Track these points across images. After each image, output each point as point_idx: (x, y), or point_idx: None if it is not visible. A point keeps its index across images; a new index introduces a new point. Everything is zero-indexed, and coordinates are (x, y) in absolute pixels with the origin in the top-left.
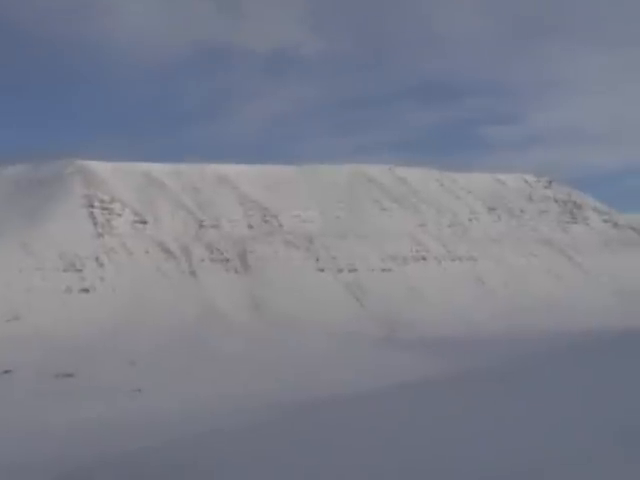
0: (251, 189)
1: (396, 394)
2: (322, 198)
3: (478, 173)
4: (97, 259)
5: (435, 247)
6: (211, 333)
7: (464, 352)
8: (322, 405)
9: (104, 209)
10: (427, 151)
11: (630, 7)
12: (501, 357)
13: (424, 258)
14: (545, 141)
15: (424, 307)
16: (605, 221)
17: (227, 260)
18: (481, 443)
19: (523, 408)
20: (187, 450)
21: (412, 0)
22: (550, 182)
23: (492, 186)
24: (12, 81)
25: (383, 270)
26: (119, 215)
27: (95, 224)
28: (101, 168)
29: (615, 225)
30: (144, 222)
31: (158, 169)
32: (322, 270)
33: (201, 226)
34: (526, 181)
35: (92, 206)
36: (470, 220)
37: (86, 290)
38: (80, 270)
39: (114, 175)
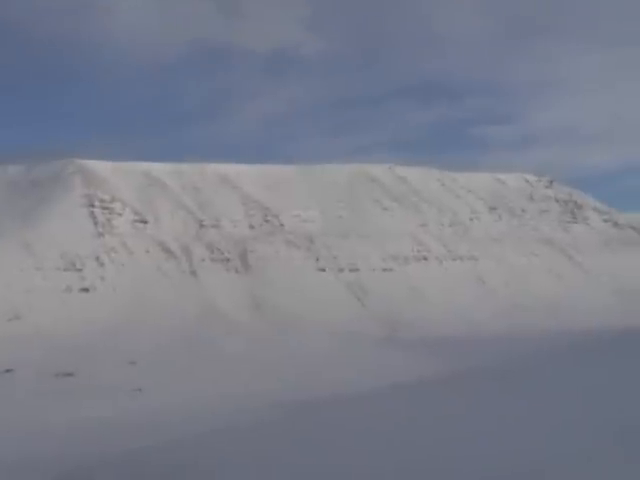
0: (252, 189)
1: (397, 394)
2: (323, 198)
3: (479, 173)
4: (97, 259)
5: (436, 247)
6: (212, 333)
7: (465, 352)
8: (324, 405)
9: (104, 209)
10: (426, 151)
11: (625, 6)
12: (502, 356)
13: (425, 258)
14: (544, 141)
15: (425, 307)
16: (605, 221)
17: (228, 260)
18: (482, 443)
19: (524, 407)
20: (188, 450)
21: (411, 0)
22: (551, 182)
23: (493, 186)
24: (11, 81)
25: (384, 270)
26: (119, 215)
27: (95, 224)
28: (101, 168)
29: (615, 225)
30: (144, 222)
31: (158, 169)
32: (323, 270)
33: (201, 226)
34: (527, 181)
35: (92, 206)
36: (471, 220)
37: (86, 290)
38: (80, 270)
39: (114, 175)
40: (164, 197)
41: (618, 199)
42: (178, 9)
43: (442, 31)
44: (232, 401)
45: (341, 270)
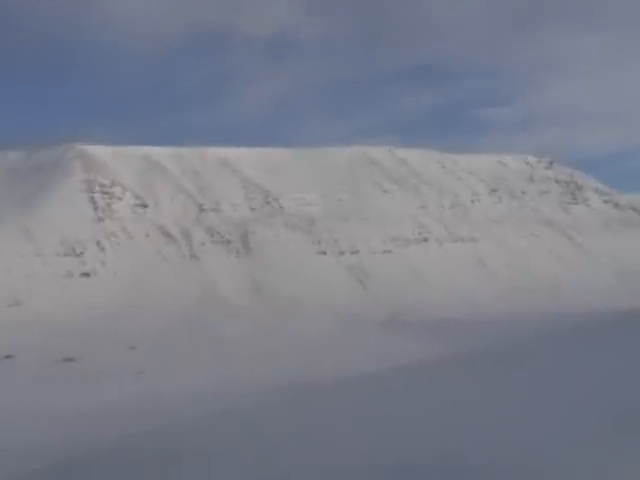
0: (252, 172)
1: (399, 376)
2: (323, 180)
3: (479, 154)
4: (98, 243)
5: (437, 229)
6: (212, 316)
7: (466, 334)
8: (325, 388)
9: (104, 193)
10: (426, 133)
11: None
12: (503, 339)
13: (426, 240)
14: (544, 122)
15: (426, 289)
16: (606, 202)
17: (228, 243)
18: (484, 426)
19: (527, 390)
20: (189, 433)
21: None
22: (551, 163)
23: (493, 167)
24: (11, 66)
25: (385, 252)
26: (119, 199)
27: (95, 208)
28: (101, 152)
29: (616, 206)
30: (145, 206)
31: (158, 153)
32: (324, 253)
33: (202, 209)
34: (527, 162)
35: (92, 190)
36: (471, 202)
37: (87, 274)
38: (81, 255)
39: (114, 159)
40: (164, 181)
41: (619, 180)
42: None
43: (441, 13)
44: (233, 385)
45: (342, 253)
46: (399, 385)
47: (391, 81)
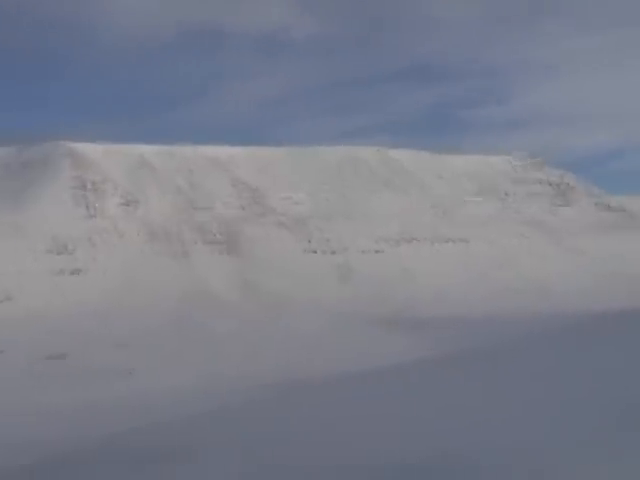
0: (242, 171)
1: (387, 375)
2: (313, 180)
3: (469, 155)
4: (88, 241)
5: (426, 229)
6: (202, 314)
7: (455, 333)
8: (314, 385)
9: (95, 191)
10: (416, 133)
11: None
12: (492, 339)
13: (415, 240)
14: (535, 123)
15: (415, 288)
16: (596, 203)
17: (218, 242)
18: (475, 425)
19: (516, 389)
20: (178, 432)
21: None
22: (542, 164)
23: (483, 168)
24: (2, 63)
25: (374, 252)
26: (110, 197)
27: (86, 206)
28: (91, 150)
29: (606, 207)
30: (135, 204)
31: (149, 151)
32: (314, 251)
33: (192, 208)
34: (517, 163)
35: (83, 188)
36: (461, 202)
37: (77, 272)
38: (71, 252)
39: (105, 157)
40: (155, 179)
41: (609, 182)
42: None
43: (434, 14)
44: (222, 382)
45: (331, 252)
46: (387, 384)
47: (382, 82)
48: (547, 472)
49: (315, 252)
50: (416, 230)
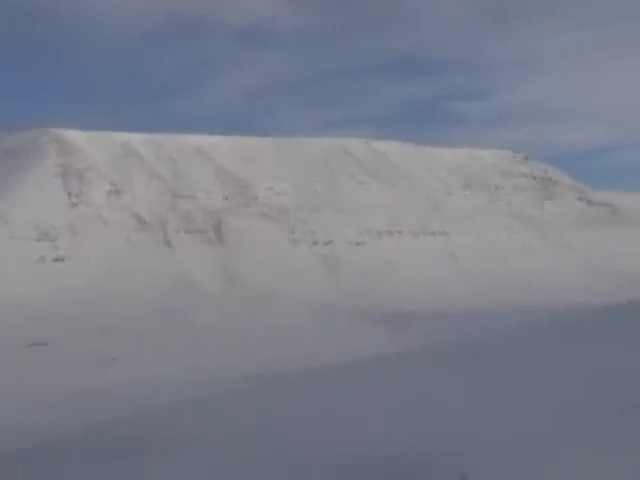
0: (227, 161)
1: (369, 368)
2: (298, 171)
3: (455, 148)
4: (72, 229)
5: (410, 221)
6: (185, 304)
7: (438, 327)
8: (296, 377)
9: (79, 178)
10: (402, 126)
11: None
12: (474, 332)
13: (399, 232)
14: (520, 118)
15: (398, 281)
16: (580, 198)
17: (202, 231)
18: (453, 419)
19: (495, 382)
20: (159, 421)
21: None
22: (526, 158)
23: (468, 162)
24: None
25: (358, 243)
26: (94, 185)
27: (70, 194)
28: (76, 137)
29: (590, 202)
30: (119, 192)
31: (134, 139)
32: (297, 243)
33: (176, 197)
34: (502, 157)
35: (67, 175)
36: (445, 195)
37: (60, 259)
38: (54, 239)
39: (89, 144)
40: (139, 168)
41: (592, 177)
42: None
43: (421, 7)
44: (205, 373)
45: (315, 243)
46: (369, 376)
47: (368, 73)
48: (523, 462)
49: (299, 243)
50: (402, 223)
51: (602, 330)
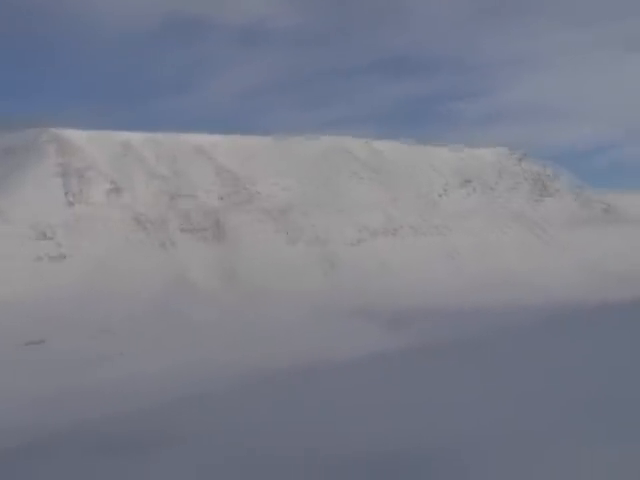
0: (226, 160)
1: (368, 365)
2: (297, 170)
3: (451, 147)
4: (71, 227)
5: (407, 220)
6: (184, 302)
7: (434, 325)
8: (294, 374)
9: (78, 177)
10: (399, 124)
11: None
12: (471, 330)
13: (396, 231)
14: (516, 116)
15: (395, 280)
16: (576, 197)
17: (201, 230)
18: (448, 417)
19: (492, 379)
20: (158, 418)
21: None
22: (522, 157)
23: (465, 160)
24: None
25: (356, 242)
26: (93, 184)
27: (69, 192)
28: (76, 136)
29: (586, 201)
30: (118, 191)
31: (133, 138)
32: (295, 241)
33: (175, 196)
34: (499, 156)
35: (66, 174)
36: (442, 194)
37: (59, 258)
38: (53, 238)
39: (89, 143)
40: (138, 167)
41: (589, 176)
42: None
43: (416, 6)
44: (204, 370)
45: (313, 242)
46: (369, 373)
47: (366, 72)
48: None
49: (297, 242)
50: (399, 221)
51: (598, 327)
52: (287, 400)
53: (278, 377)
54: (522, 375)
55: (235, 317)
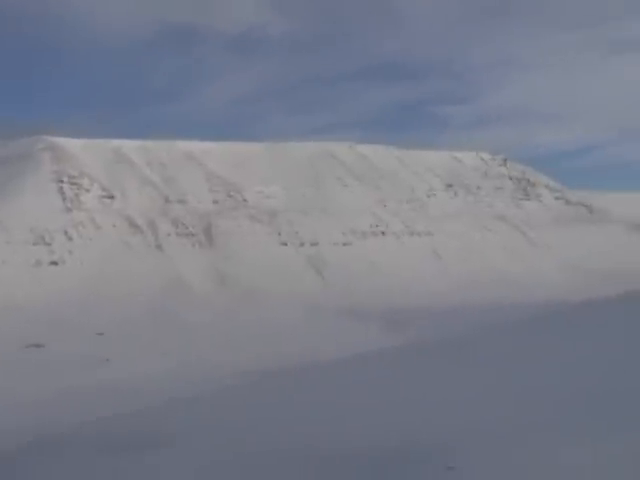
0: (216, 166)
1: (358, 364)
2: (286, 175)
3: (436, 151)
4: (66, 233)
5: (394, 222)
6: (177, 305)
7: (422, 324)
8: (287, 374)
9: (73, 184)
10: (385, 129)
11: None
12: (457, 329)
13: (383, 233)
14: (499, 120)
15: (383, 280)
16: (557, 198)
17: (193, 234)
18: (440, 413)
19: (479, 376)
20: (153, 418)
21: None
22: (505, 160)
23: (449, 164)
24: None
25: (344, 244)
26: (87, 190)
27: (64, 199)
28: (71, 144)
29: (567, 202)
30: (112, 197)
31: (126, 145)
32: (285, 244)
33: (167, 201)
34: (482, 159)
35: (61, 181)
36: (428, 196)
37: (55, 263)
38: (49, 244)
39: (83, 151)
40: (131, 173)
41: (569, 177)
42: None
43: (402, 12)
44: (197, 371)
45: (302, 244)
46: (358, 372)
47: (353, 78)
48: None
49: (286, 244)
50: (386, 224)
51: (582, 323)
52: (277, 400)
53: (271, 376)
54: (508, 371)
55: (228, 318)
